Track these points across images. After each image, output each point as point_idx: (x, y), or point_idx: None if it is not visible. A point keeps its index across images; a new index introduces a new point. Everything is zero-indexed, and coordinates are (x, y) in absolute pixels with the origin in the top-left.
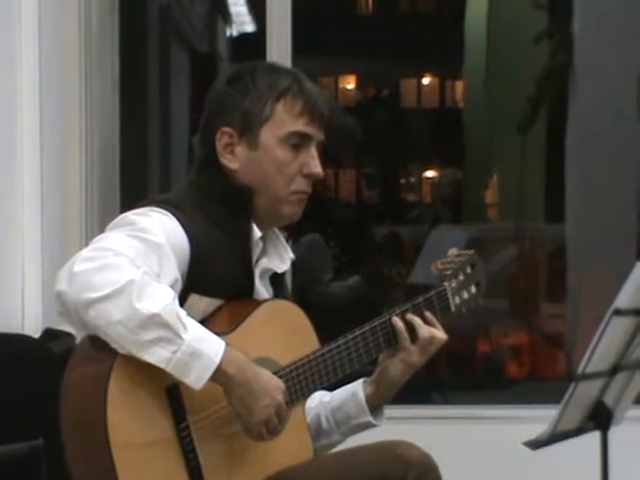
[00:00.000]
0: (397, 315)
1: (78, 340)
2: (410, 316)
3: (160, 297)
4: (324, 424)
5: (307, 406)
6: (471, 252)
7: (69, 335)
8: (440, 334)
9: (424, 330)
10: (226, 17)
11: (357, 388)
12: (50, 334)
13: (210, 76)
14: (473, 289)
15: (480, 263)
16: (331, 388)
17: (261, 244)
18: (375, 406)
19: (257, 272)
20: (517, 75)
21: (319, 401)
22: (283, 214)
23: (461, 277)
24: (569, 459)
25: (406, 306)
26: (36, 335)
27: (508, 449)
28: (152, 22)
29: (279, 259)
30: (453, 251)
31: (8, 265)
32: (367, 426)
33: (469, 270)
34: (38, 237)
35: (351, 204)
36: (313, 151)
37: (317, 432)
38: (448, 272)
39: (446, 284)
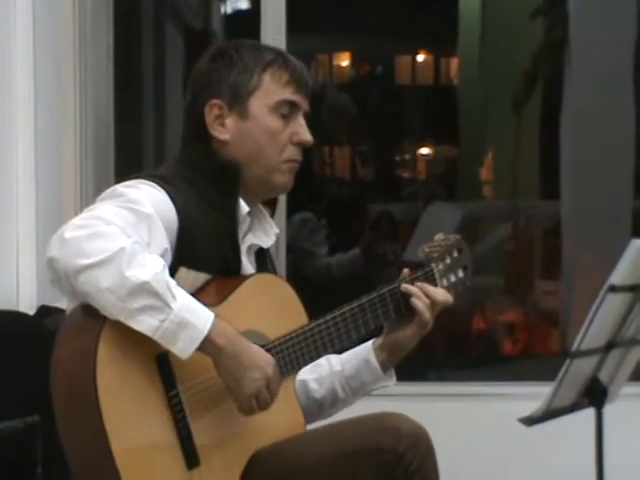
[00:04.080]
0: (390, 290)
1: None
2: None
3: (150, 266)
4: (340, 393)
5: (319, 375)
6: (457, 236)
7: (64, 312)
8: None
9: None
10: None
11: (369, 356)
12: (45, 311)
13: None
14: (460, 273)
15: (466, 248)
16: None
17: (248, 220)
18: (387, 368)
19: (244, 248)
20: (512, 52)
21: (330, 371)
22: (276, 183)
23: (448, 260)
24: (564, 436)
25: (394, 284)
26: (31, 312)
27: (503, 426)
28: None
29: (264, 234)
30: (439, 236)
31: (2, 242)
32: (382, 387)
33: (456, 254)
34: (33, 214)
35: (345, 181)
36: (301, 119)
37: (334, 401)
38: (435, 254)
39: (433, 265)
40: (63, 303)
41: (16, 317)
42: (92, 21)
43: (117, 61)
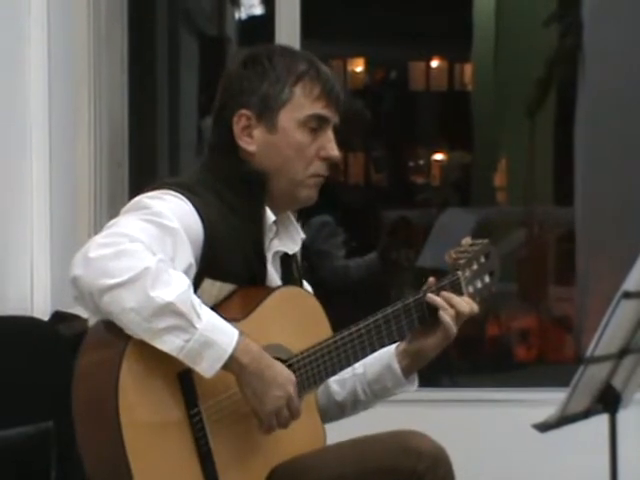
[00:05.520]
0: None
1: (91, 323)
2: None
3: (175, 285)
4: (361, 396)
5: (341, 377)
6: (485, 241)
7: (78, 318)
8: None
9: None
10: (235, 0)
11: (391, 361)
12: (59, 317)
13: (219, 59)
14: (487, 278)
15: (494, 252)
16: None
17: (274, 228)
18: (410, 374)
19: (269, 255)
20: (526, 58)
21: (352, 373)
22: (299, 197)
23: (475, 266)
24: (578, 442)
25: (419, 295)
26: (45, 318)
27: (517, 432)
28: (160, 5)
29: (290, 240)
30: (467, 240)
31: (17, 248)
32: (404, 392)
33: (483, 259)
34: (47, 219)
35: (360, 187)
36: (330, 134)
37: (355, 403)
38: (462, 261)
39: (460, 273)
40: (77, 309)
41: (30, 322)
42: (106, 28)
43: (132, 68)
